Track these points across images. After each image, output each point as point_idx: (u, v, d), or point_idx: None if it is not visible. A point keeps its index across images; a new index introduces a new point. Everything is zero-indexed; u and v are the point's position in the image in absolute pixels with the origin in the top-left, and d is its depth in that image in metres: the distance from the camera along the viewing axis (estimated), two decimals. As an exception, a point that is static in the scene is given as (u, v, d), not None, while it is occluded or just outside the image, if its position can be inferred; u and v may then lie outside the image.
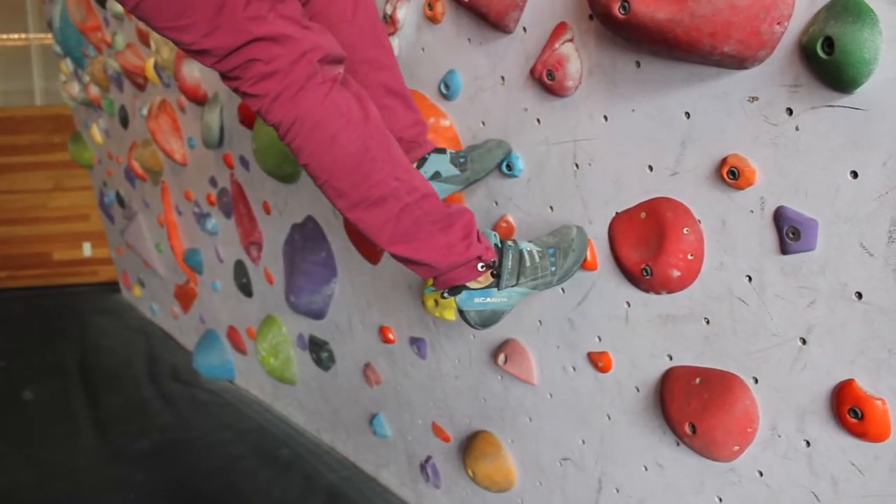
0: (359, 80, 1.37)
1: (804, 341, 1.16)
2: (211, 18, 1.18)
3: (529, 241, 1.46)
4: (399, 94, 1.48)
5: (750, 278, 1.22)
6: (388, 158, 1.30)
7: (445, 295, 1.44)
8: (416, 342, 2.08)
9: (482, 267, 1.39)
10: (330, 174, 1.28)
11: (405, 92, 1.50)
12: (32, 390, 3.70)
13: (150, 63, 3.29)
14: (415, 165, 1.49)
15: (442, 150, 1.54)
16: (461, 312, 1.45)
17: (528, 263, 1.42)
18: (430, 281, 1.47)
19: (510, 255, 1.40)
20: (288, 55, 1.21)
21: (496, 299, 1.43)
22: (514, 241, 1.44)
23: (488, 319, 1.45)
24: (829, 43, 1.02)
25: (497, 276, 1.41)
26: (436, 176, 1.52)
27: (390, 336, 2.19)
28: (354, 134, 1.26)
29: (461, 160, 1.54)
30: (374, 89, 1.42)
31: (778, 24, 1.08)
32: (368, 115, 1.29)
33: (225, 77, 1.26)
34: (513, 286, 1.42)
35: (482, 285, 1.41)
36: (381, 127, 1.31)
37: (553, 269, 1.44)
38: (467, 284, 1.41)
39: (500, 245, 1.42)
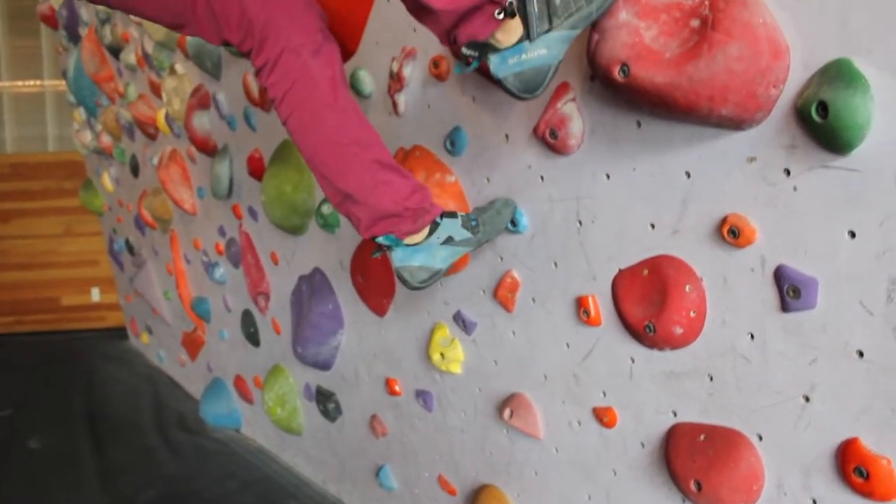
0: (349, 161, 1.43)
1: (807, 399, 1.17)
2: None
3: None
4: (391, 166, 1.50)
5: (752, 336, 1.23)
6: None
7: (468, 52, 1.27)
8: (422, 395, 2.09)
9: (499, 14, 1.24)
10: None
11: (395, 163, 1.52)
12: (39, 439, 3.70)
13: (162, 114, 3.35)
14: (426, 231, 1.51)
15: (453, 215, 1.55)
16: (500, 83, 1.29)
17: (557, 2, 1.23)
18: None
19: (534, 1, 1.23)
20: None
21: (533, 53, 1.25)
22: None
23: (532, 81, 1.27)
24: (823, 107, 1.04)
25: (525, 24, 1.23)
26: (449, 240, 1.53)
27: (397, 388, 2.19)
28: None
29: (473, 223, 1.55)
30: (368, 167, 1.45)
31: (774, 87, 1.10)
32: None
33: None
34: (546, 32, 1.24)
35: (512, 42, 1.25)
36: None
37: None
38: (492, 43, 1.25)
39: None
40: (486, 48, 1.26)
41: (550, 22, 1.23)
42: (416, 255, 1.51)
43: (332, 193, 1.50)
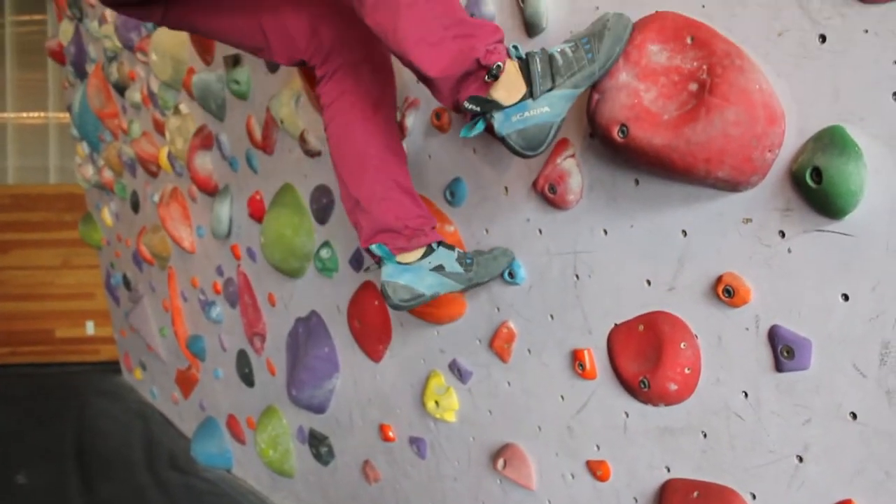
0: (367, 170, 1.54)
1: (801, 459, 1.17)
2: None
3: (562, 43, 1.31)
4: (407, 190, 1.57)
5: (746, 394, 1.24)
6: None
7: (470, 107, 1.30)
8: (415, 442, 2.08)
9: (488, 78, 1.28)
10: None
11: (413, 191, 1.59)
12: (26, 474, 3.66)
13: (164, 152, 3.38)
14: (421, 254, 1.55)
15: (450, 247, 1.58)
16: (503, 140, 1.32)
17: (560, 62, 1.27)
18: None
19: (537, 60, 1.28)
20: None
21: (536, 111, 1.29)
22: (543, 49, 1.31)
23: (534, 138, 1.30)
24: (817, 173, 1.06)
25: (528, 83, 1.28)
26: (439, 269, 1.55)
27: (390, 434, 2.19)
28: None
29: (467, 261, 1.58)
30: (383, 181, 1.54)
31: (769, 151, 1.13)
32: None
33: None
34: (549, 90, 1.28)
35: (515, 100, 1.29)
36: None
37: (590, 55, 1.26)
38: (497, 100, 1.29)
39: (524, 56, 1.30)
40: (489, 105, 1.30)
41: (553, 80, 1.27)
42: (404, 273, 1.55)
43: (346, 197, 1.59)
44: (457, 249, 1.59)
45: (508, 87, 1.29)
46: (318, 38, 1.57)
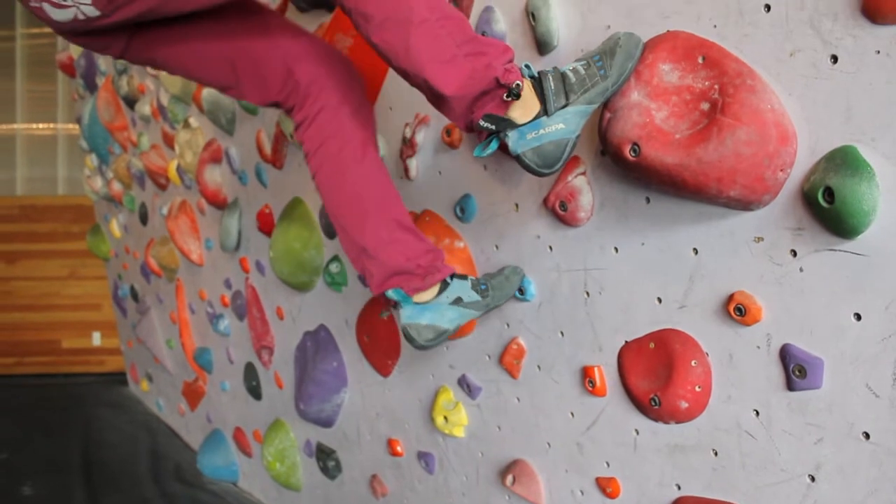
0: (368, 215, 1.51)
1: (813, 478, 1.17)
2: None
3: (573, 62, 1.31)
4: (409, 228, 1.56)
5: (757, 412, 1.24)
6: None
7: (485, 125, 1.31)
8: (424, 456, 2.08)
9: (507, 97, 1.28)
10: None
11: (414, 227, 1.58)
12: (32, 485, 3.65)
13: (174, 165, 3.40)
14: (437, 290, 1.54)
15: (463, 277, 1.58)
16: (518, 159, 1.32)
17: (573, 79, 1.28)
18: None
19: (550, 78, 1.28)
20: None
21: (551, 128, 1.29)
22: (555, 67, 1.31)
23: (550, 156, 1.30)
24: (829, 193, 1.06)
25: (542, 101, 1.28)
26: (458, 301, 1.55)
27: (398, 449, 2.18)
28: None
29: (482, 287, 1.58)
30: (385, 224, 1.52)
31: (781, 171, 1.13)
32: None
33: None
34: (563, 107, 1.28)
35: (530, 118, 1.29)
36: None
37: (602, 72, 1.26)
38: (511, 119, 1.30)
39: (536, 75, 1.31)
40: (504, 123, 1.30)
41: (567, 97, 1.28)
42: (424, 313, 1.53)
43: (349, 246, 1.56)
44: (469, 277, 1.59)
45: (523, 106, 1.29)
46: (293, 80, 1.54)
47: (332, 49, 1.61)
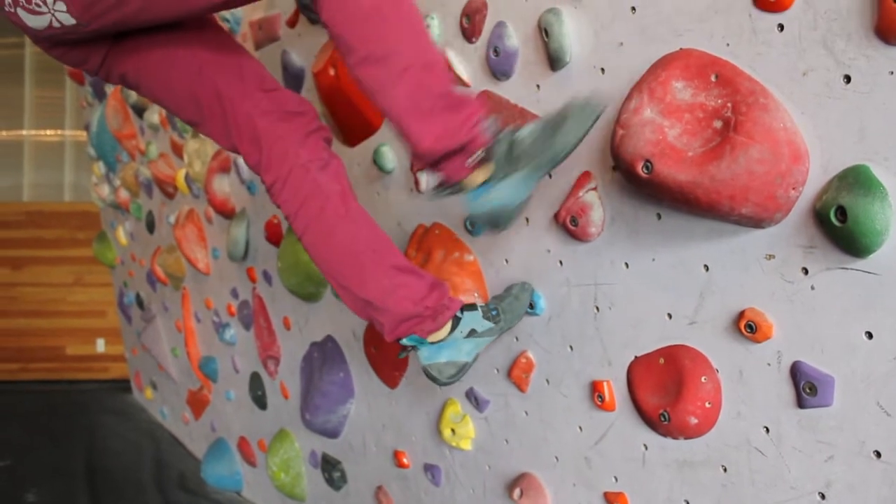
0: (366, 269, 1.49)
1: (823, 496, 1.17)
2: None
3: (532, 124, 1.40)
4: (407, 269, 1.54)
5: (767, 429, 1.24)
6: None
7: (443, 194, 1.42)
8: (430, 469, 2.08)
9: (471, 161, 1.37)
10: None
11: (411, 265, 1.56)
12: (36, 493, 3.66)
13: (182, 174, 3.41)
14: (448, 326, 1.54)
15: (472, 307, 1.57)
16: (470, 217, 1.45)
17: (525, 146, 1.37)
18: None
19: (502, 145, 1.38)
20: None
21: (500, 193, 1.38)
22: (512, 129, 1.40)
23: (498, 218, 1.42)
24: (842, 211, 1.07)
25: (491, 166, 1.39)
26: (472, 333, 1.55)
27: (404, 461, 2.19)
28: None
29: (493, 313, 1.57)
30: (385, 273, 1.50)
31: (793, 189, 1.13)
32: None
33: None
34: (510, 174, 1.38)
35: (480, 181, 1.38)
36: None
37: (549, 141, 1.36)
38: (463, 182, 1.39)
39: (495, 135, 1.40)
40: (458, 186, 1.40)
41: (514, 165, 1.37)
42: (441, 351, 1.54)
43: (352, 302, 1.54)
44: (479, 306, 1.58)
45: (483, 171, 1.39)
46: (258, 144, 1.52)
47: (295, 99, 1.58)
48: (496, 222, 1.42)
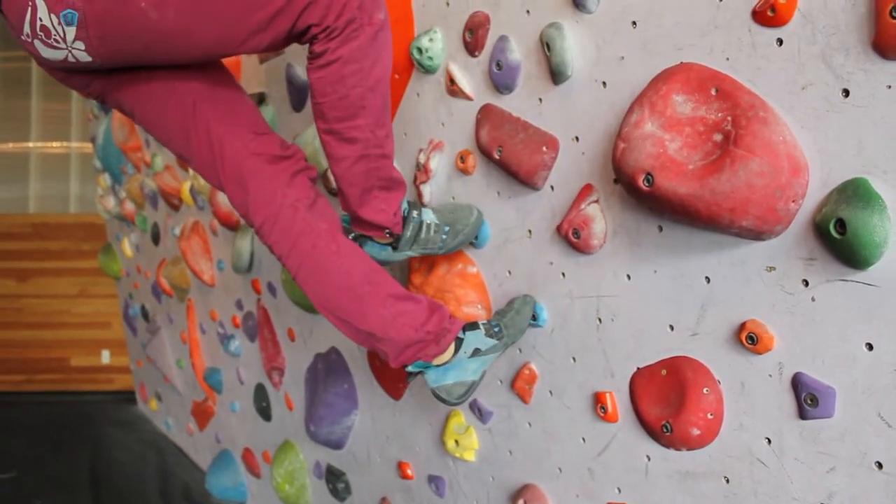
0: (365, 301, 1.54)
1: (825, 508, 1.17)
2: (261, 18, 1.41)
3: (433, 211, 1.71)
4: (404, 296, 1.58)
5: (769, 440, 1.24)
6: (375, 112, 1.53)
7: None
8: (434, 480, 2.08)
9: (388, 234, 1.65)
10: (324, 101, 1.51)
11: (406, 292, 1.60)
12: (42, 503, 3.67)
13: (187, 186, 3.43)
14: (452, 348, 1.58)
15: (474, 326, 1.60)
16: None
17: (423, 235, 1.67)
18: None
19: (410, 226, 1.66)
20: (334, 11, 1.43)
21: (389, 256, 1.68)
22: (420, 211, 1.69)
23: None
24: (841, 224, 1.08)
25: (393, 243, 1.66)
26: (476, 352, 1.58)
27: (409, 472, 2.19)
28: (361, 81, 1.49)
29: (496, 329, 1.59)
30: (384, 303, 1.54)
31: (793, 202, 1.14)
32: (383, 71, 1.52)
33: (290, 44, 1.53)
34: (406, 251, 1.68)
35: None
36: (387, 84, 1.54)
37: (441, 244, 1.69)
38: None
39: (406, 214, 1.67)
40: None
41: (410, 246, 1.68)
42: (448, 373, 1.57)
43: (353, 335, 1.58)
44: (481, 324, 1.61)
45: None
46: (244, 185, 1.55)
47: (283, 143, 1.62)
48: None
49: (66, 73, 1.49)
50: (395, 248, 1.67)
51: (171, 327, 4.16)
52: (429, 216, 1.68)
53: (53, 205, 6.41)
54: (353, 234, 1.65)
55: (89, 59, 1.38)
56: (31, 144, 6.42)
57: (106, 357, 6.12)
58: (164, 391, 4.56)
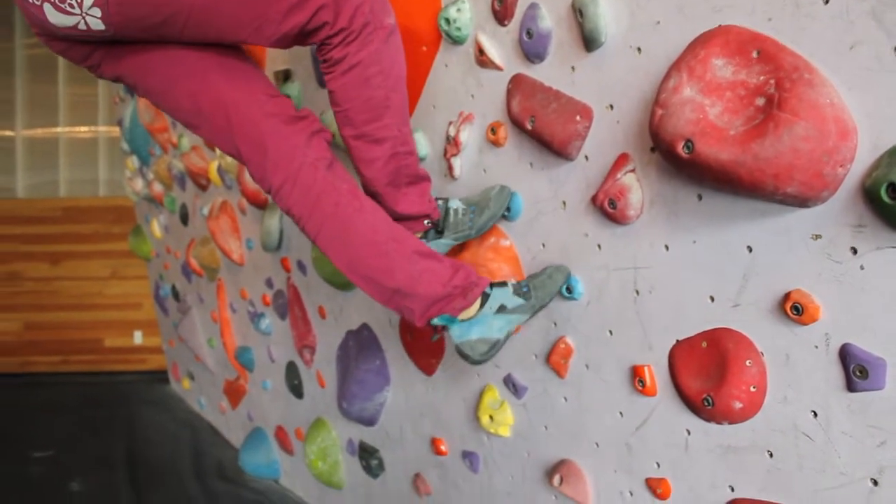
0: (392, 257, 1.54)
1: (875, 482, 1.14)
2: (279, 8, 1.43)
3: (459, 200, 1.73)
4: (428, 253, 1.57)
5: (815, 413, 1.21)
6: (399, 111, 1.58)
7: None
8: (468, 456, 2.07)
9: (427, 222, 1.69)
10: (350, 106, 1.55)
11: (431, 250, 1.59)
12: (80, 482, 3.73)
13: (214, 166, 3.43)
14: (478, 303, 1.56)
15: (502, 284, 1.58)
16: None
17: (451, 219, 1.68)
18: None
19: (442, 214, 1.69)
20: (346, 13, 1.46)
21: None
22: (445, 199, 1.72)
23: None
24: (893, 188, 1.04)
25: (437, 231, 1.69)
26: (502, 309, 1.56)
27: (442, 448, 2.18)
28: (384, 83, 1.54)
29: (524, 290, 1.58)
30: (409, 258, 1.54)
31: (840, 166, 1.10)
32: (400, 70, 1.57)
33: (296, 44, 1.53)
34: (439, 240, 1.70)
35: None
36: (404, 84, 1.59)
37: (470, 224, 1.69)
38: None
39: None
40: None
41: (442, 234, 1.70)
42: (472, 328, 1.56)
43: (378, 293, 1.56)
44: (509, 283, 1.59)
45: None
46: (262, 147, 1.52)
47: (294, 106, 1.60)
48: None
49: (69, 42, 1.46)
50: (438, 232, 1.69)
51: (201, 307, 4.18)
52: (454, 203, 1.71)
53: (83, 188, 6.46)
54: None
55: (102, 27, 1.35)
56: (59, 129, 6.47)
57: (138, 338, 6.20)
58: (197, 370, 4.60)
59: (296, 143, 1.53)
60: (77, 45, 1.47)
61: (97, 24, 1.35)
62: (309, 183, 1.53)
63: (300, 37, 1.48)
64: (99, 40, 1.43)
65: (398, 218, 1.65)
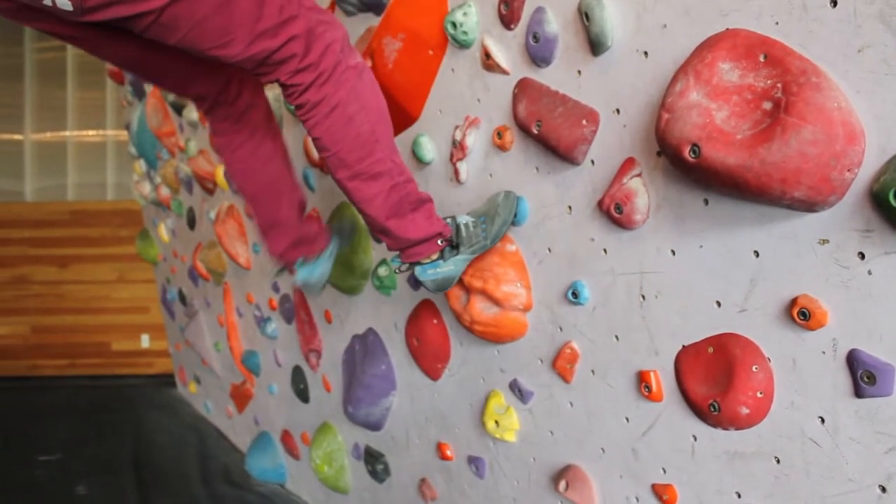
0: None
1: (884, 489, 1.13)
2: (251, 30, 1.41)
3: (466, 214, 1.74)
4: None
5: (822, 420, 1.20)
6: (388, 143, 1.60)
7: (402, 269, 1.75)
8: (474, 461, 2.06)
9: (441, 241, 1.70)
10: (339, 147, 1.55)
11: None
12: (86, 485, 3.73)
13: (221, 170, 3.43)
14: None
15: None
16: (420, 282, 1.74)
17: (463, 234, 1.70)
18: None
19: (453, 231, 1.71)
20: (317, 49, 1.48)
21: (444, 269, 1.72)
22: (452, 217, 1.72)
23: (443, 284, 1.74)
24: (901, 193, 1.03)
25: (452, 247, 1.71)
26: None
27: (448, 453, 2.17)
28: (367, 118, 1.55)
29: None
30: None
31: (848, 171, 1.09)
32: (380, 103, 1.60)
33: (260, 73, 1.50)
34: (454, 256, 1.71)
35: (431, 260, 1.71)
36: (387, 115, 1.61)
37: (484, 234, 1.71)
38: (420, 260, 1.71)
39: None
40: (415, 263, 1.72)
41: (458, 249, 1.71)
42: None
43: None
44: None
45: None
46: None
47: None
48: (442, 287, 1.74)
49: (28, 11, 1.39)
50: (454, 247, 1.71)
51: (208, 311, 4.19)
52: (463, 218, 1.72)
53: (91, 192, 6.49)
54: (406, 266, 1.74)
55: (70, 8, 1.32)
56: (67, 133, 6.50)
57: (145, 341, 6.22)
58: (203, 374, 4.61)
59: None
60: (42, 18, 1.41)
61: (66, 5, 1.31)
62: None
63: (264, 65, 1.46)
64: (65, 19, 1.38)
65: (412, 244, 1.68)
